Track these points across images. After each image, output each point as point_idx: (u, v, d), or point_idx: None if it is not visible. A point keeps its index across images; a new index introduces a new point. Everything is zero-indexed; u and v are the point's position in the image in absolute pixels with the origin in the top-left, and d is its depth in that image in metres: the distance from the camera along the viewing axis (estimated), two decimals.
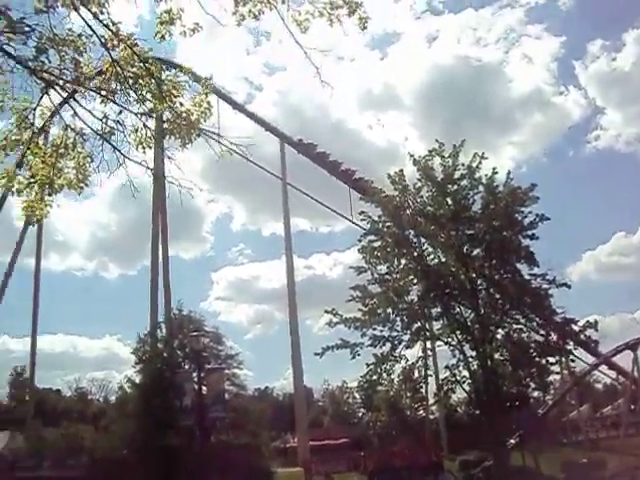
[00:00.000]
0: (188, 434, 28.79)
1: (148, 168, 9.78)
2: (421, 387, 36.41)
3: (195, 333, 26.77)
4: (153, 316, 40.38)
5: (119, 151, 9.78)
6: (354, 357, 29.82)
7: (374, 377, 30.14)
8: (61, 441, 41.99)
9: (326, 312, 30.19)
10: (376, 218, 30.68)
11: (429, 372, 33.78)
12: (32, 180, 9.99)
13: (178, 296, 41.07)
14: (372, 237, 30.76)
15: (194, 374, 27.82)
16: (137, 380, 34.15)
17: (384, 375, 30.26)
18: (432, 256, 31.15)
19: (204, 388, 26.43)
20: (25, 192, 10.05)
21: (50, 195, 10.14)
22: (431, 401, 52.51)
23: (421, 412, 59.60)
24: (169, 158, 9.62)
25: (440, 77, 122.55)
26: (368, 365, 29.66)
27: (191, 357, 29.53)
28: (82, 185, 10.15)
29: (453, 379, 30.40)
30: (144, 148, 9.71)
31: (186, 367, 31.13)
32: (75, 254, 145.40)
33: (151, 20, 9.16)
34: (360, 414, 78.82)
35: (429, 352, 32.89)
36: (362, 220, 31.71)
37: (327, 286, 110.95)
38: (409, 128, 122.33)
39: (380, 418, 64.32)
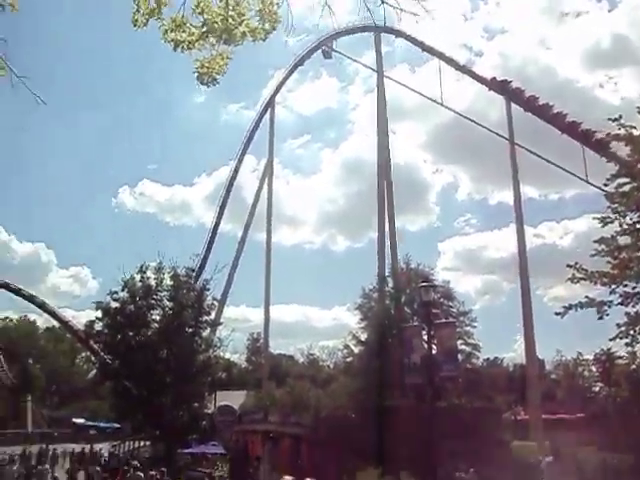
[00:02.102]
0: (417, 394, 25.92)
1: None
2: None
3: (425, 284, 23.55)
4: (380, 273, 38.05)
5: None
6: (601, 317, 25.47)
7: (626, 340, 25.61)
8: (287, 399, 41.51)
9: (568, 266, 26.01)
10: (626, 158, 25.83)
11: None
12: (205, 30, 7.38)
13: None
14: (622, 180, 26.05)
15: (423, 330, 24.60)
16: (362, 337, 31.99)
17: (638, 337, 25.55)
18: None
19: (434, 345, 23.08)
20: (197, 45, 7.47)
21: (229, 45, 7.44)
22: None
23: None
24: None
25: None
26: (619, 325, 25.20)
27: (420, 312, 26.53)
28: (268, 32, 7.39)
29: None
30: None
31: (414, 323, 28.36)
32: (305, 228, 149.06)
33: None
34: (597, 389, 72.33)
35: None
36: (607, 162, 26.98)
37: (558, 255, 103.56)
38: None
39: (620, 394, 58.27)
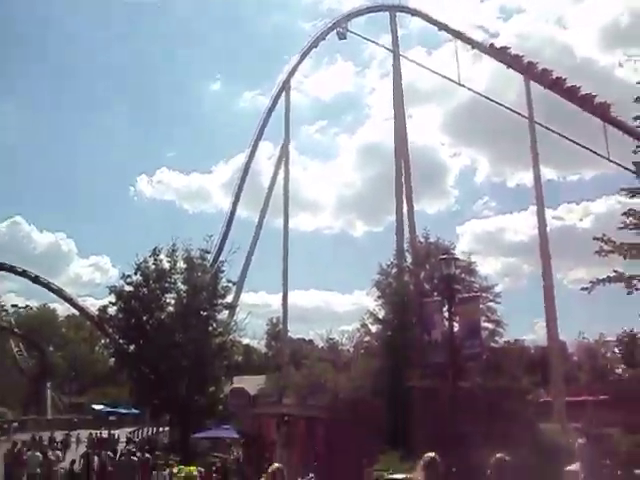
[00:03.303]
0: (438, 373, 24.34)
1: None
2: None
3: (445, 256, 21.94)
4: (399, 247, 36.64)
5: None
6: (631, 292, 24.25)
7: None
8: (304, 381, 40.38)
9: (595, 239, 24.65)
10: None
11: None
12: None
13: None
14: None
15: (444, 305, 22.96)
16: (380, 315, 30.53)
17: None
18: None
19: (456, 322, 21.45)
20: None
21: None
22: None
23: None
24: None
25: None
26: None
27: (440, 287, 25.02)
28: None
29: None
30: None
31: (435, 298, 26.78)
32: (323, 213, 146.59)
33: None
34: (620, 370, 70.32)
35: None
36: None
37: (577, 237, 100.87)
38: None
39: None
